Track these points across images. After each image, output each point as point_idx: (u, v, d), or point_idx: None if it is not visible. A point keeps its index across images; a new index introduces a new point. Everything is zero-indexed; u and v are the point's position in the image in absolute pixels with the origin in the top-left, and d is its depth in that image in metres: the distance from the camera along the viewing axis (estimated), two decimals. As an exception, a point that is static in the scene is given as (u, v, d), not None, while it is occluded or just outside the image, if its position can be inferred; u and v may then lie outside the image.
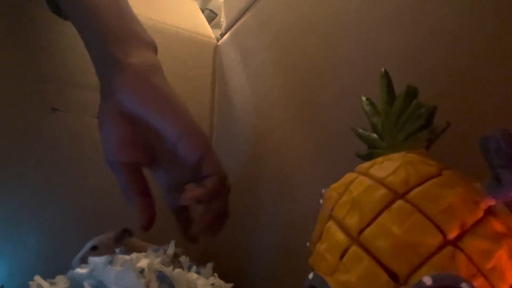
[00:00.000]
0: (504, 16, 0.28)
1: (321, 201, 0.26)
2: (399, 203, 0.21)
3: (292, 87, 0.50)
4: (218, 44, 0.71)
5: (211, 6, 0.94)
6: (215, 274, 0.43)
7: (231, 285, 0.42)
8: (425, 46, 0.33)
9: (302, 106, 0.48)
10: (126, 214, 0.57)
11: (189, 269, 0.43)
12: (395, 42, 0.36)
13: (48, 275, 0.41)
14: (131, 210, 0.46)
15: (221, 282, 0.42)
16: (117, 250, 0.41)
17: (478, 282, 0.19)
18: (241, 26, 0.64)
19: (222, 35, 0.70)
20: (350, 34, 0.42)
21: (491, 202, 0.21)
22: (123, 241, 0.45)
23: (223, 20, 0.70)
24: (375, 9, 0.39)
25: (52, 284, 0.39)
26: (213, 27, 0.88)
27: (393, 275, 0.20)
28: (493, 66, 0.28)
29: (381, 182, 0.23)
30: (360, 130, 0.29)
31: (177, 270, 0.39)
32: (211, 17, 0.91)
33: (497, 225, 0.21)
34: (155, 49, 0.47)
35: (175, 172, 0.45)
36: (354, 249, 0.21)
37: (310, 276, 0.23)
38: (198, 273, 0.41)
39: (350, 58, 0.41)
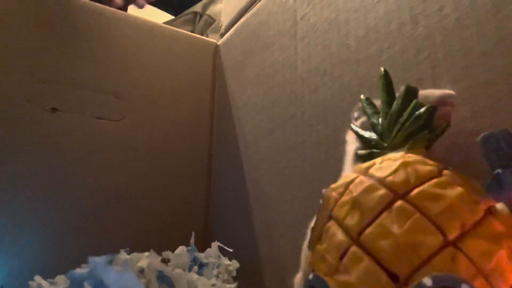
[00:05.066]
0: (504, 15, 0.28)
1: (320, 201, 0.26)
2: (399, 203, 0.21)
3: (292, 87, 0.50)
4: (218, 44, 0.71)
5: (209, 12, 0.94)
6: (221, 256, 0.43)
7: (234, 285, 0.42)
8: (425, 45, 0.33)
9: (302, 106, 0.47)
10: (125, 214, 0.57)
11: (190, 269, 0.43)
12: (395, 42, 0.36)
13: (48, 275, 0.41)
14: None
15: (224, 283, 0.42)
16: (122, 250, 0.41)
17: (479, 283, 0.19)
18: (241, 26, 0.64)
19: (222, 35, 0.70)
20: (350, 34, 0.42)
21: (491, 203, 0.21)
22: None
23: (223, 20, 0.70)
24: (375, 9, 0.39)
25: (52, 284, 0.39)
26: (211, 32, 0.88)
27: (393, 276, 0.20)
28: (493, 65, 0.28)
29: (381, 182, 0.22)
30: (360, 130, 0.29)
31: (177, 270, 0.39)
32: (209, 22, 0.91)
33: (497, 226, 0.21)
34: None
35: None
36: (354, 249, 0.21)
37: (310, 276, 0.23)
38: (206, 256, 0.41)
39: (350, 58, 0.41)
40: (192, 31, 0.94)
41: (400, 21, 0.36)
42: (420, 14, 0.34)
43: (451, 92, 0.27)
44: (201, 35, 0.91)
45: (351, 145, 0.31)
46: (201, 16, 0.95)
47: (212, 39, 0.78)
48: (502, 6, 0.28)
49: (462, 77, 0.30)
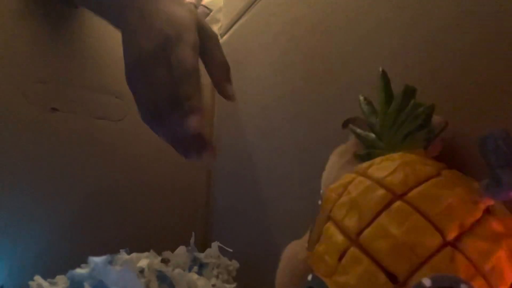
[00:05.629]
0: (503, 16, 0.28)
1: (319, 201, 0.26)
2: (397, 204, 0.21)
3: (292, 87, 0.50)
4: (218, 43, 0.71)
5: (205, 2, 0.94)
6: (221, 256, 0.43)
7: (234, 285, 0.43)
8: (424, 46, 0.33)
9: (302, 106, 0.47)
10: (125, 214, 0.57)
11: (190, 269, 0.43)
12: (395, 42, 0.36)
13: (48, 275, 0.41)
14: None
15: (224, 284, 0.42)
16: (122, 250, 0.41)
17: (477, 283, 0.19)
18: (241, 26, 0.64)
19: (222, 35, 0.70)
20: (350, 34, 0.42)
21: (490, 202, 0.21)
22: None
23: (223, 20, 0.70)
24: (374, 9, 0.39)
25: (52, 284, 0.39)
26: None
27: (392, 277, 0.20)
28: (492, 65, 0.28)
29: (379, 182, 0.22)
30: (358, 130, 0.29)
31: (177, 270, 0.39)
32: (206, 13, 0.90)
33: (496, 226, 0.21)
34: None
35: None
36: (353, 250, 0.21)
37: (309, 277, 0.23)
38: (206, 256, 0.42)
39: (350, 58, 0.41)
40: None
41: (401, 21, 0.36)
42: (420, 14, 0.34)
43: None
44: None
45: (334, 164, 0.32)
46: (196, 8, 0.95)
47: None
48: (502, 6, 0.28)
49: (462, 77, 0.30)
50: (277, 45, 0.54)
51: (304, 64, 0.48)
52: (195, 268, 0.43)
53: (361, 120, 0.31)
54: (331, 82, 0.43)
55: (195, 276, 0.40)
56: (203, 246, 0.49)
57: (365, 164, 0.25)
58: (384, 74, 0.28)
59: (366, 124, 0.30)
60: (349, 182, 0.24)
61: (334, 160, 0.32)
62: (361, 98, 0.30)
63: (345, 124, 0.32)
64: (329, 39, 0.44)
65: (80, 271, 0.37)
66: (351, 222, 0.22)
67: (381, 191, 0.22)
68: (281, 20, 0.53)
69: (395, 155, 0.24)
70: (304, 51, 0.48)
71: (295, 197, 0.47)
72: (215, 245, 0.44)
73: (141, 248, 0.43)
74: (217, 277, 0.43)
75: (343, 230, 0.22)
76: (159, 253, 0.44)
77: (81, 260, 0.40)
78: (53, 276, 0.41)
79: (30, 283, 0.40)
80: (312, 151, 0.45)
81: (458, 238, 0.20)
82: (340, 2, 0.44)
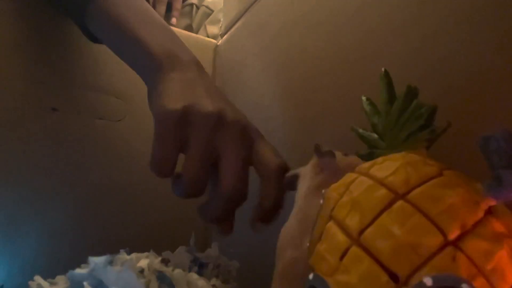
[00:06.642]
0: (504, 16, 0.28)
1: (321, 201, 0.26)
2: (399, 203, 0.21)
3: (292, 87, 0.50)
4: (218, 44, 0.71)
5: (207, 2, 0.94)
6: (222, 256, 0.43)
7: (234, 285, 0.42)
8: (425, 46, 0.33)
9: (302, 106, 0.47)
10: (125, 214, 0.57)
11: (190, 269, 0.43)
12: (395, 42, 0.36)
13: (48, 275, 0.41)
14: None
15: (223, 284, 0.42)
16: (122, 250, 0.41)
17: (479, 282, 0.19)
18: (241, 26, 0.64)
19: (222, 35, 0.70)
20: (350, 34, 0.42)
21: (492, 203, 0.21)
22: None
23: (223, 20, 0.70)
24: (375, 9, 0.39)
25: (52, 284, 0.39)
26: (209, 24, 0.87)
27: (393, 276, 0.20)
28: (493, 65, 0.28)
29: (381, 182, 0.22)
30: (360, 130, 0.29)
31: (177, 271, 0.39)
32: (207, 13, 0.90)
33: (497, 226, 0.21)
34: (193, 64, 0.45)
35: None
36: (354, 249, 0.21)
37: (310, 276, 0.23)
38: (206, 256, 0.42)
39: (350, 58, 0.41)
40: (190, 24, 0.94)
41: (400, 21, 0.36)
42: (420, 14, 0.34)
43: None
44: (199, 28, 0.91)
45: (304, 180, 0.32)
46: (197, 8, 0.95)
47: (210, 31, 0.77)
48: (502, 6, 0.28)
49: (462, 77, 0.30)
50: (277, 45, 0.54)
51: (305, 65, 0.48)
52: (195, 268, 0.43)
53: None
54: (332, 83, 0.44)
55: (195, 276, 0.40)
56: (203, 246, 0.49)
57: (367, 164, 0.25)
58: (386, 74, 0.28)
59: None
60: (351, 181, 0.24)
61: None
62: (364, 98, 0.30)
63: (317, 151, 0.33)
64: (330, 39, 0.45)
65: (80, 271, 0.37)
66: (352, 222, 0.22)
67: (382, 191, 0.22)
68: (281, 20, 0.54)
69: (397, 155, 0.24)
70: (305, 51, 0.48)
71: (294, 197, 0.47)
72: (215, 245, 0.44)
73: (141, 248, 0.43)
74: (217, 277, 0.43)
75: (344, 230, 0.22)
76: (159, 253, 0.44)
77: (81, 260, 0.40)
78: (53, 276, 0.41)
79: (30, 283, 0.40)
80: (312, 152, 0.45)
81: (459, 238, 0.20)
82: (340, 2, 0.44)
